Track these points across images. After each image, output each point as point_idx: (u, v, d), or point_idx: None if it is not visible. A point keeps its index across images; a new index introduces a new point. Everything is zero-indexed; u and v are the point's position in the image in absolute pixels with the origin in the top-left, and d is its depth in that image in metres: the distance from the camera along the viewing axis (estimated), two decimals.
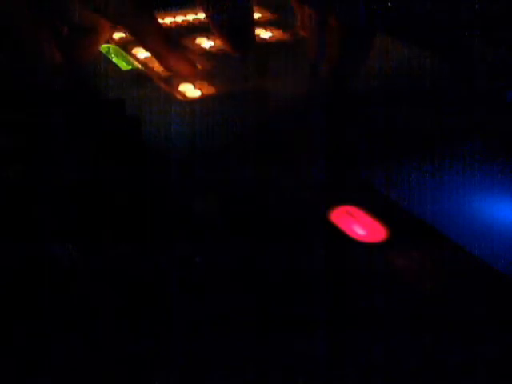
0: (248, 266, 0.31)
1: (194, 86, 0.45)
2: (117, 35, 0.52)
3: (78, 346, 0.28)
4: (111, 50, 0.51)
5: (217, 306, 0.29)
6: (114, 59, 0.50)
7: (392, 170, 0.38)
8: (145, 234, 0.33)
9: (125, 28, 0.46)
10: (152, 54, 0.46)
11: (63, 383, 0.27)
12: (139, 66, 0.48)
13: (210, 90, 0.45)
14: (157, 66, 0.47)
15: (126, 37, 0.52)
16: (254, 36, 0.44)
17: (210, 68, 0.47)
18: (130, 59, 0.49)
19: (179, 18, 0.57)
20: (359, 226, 0.33)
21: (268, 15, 0.57)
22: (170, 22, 0.56)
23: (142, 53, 0.49)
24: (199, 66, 0.47)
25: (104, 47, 0.51)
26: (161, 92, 0.45)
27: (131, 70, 0.48)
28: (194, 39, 0.52)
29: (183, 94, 0.44)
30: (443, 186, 0.37)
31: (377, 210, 0.34)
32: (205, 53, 0.50)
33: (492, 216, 0.35)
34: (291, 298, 0.29)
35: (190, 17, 0.57)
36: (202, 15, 0.56)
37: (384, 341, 0.27)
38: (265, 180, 0.37)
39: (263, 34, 0.54)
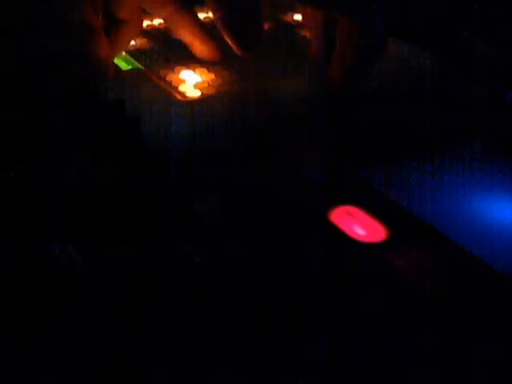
0: (248, 265, 0.31)
1: (194, 86, 0.45)
2: None
3: (77, 346, 0.28)
4: None
5: (217, 306, 0.29)
6: (114, 59, 0.50)
7: (392, 170, 0.38)
8: (145, 234, 0.33)
9: (158, 16, 0.47)
10: (185, 41, 0.47)
11: (63, 383, 0.27)
12: (139, 65, 0.48)
13: (209, 90, 0.45)
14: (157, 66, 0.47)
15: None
16: (262, 37, 0.45)
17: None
18: (130, 59, 0.49)
19: None
20: (359, 225, 0.33)
21: None
22: None
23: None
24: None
25: None
26: (161, 92, 0.45)
27: (131, 69, 0.48)
28: None
29: (183, 94, 0.44)
30: (443, 186, 0.37)
31: (377, 209, 0.34)
32: None
33: (492, 216, 0.35)
34: (291, 298, 0.29)
35: None
36: (202, 15, 0.56)
37: (384, 341, 0.27)
38: (265, 180, 0.37)
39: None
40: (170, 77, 0.46)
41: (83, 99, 0.41)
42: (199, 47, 0.47)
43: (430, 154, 0.39)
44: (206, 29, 0.47)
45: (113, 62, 0.46)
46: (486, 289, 0.30)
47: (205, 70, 0.47)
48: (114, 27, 0.45)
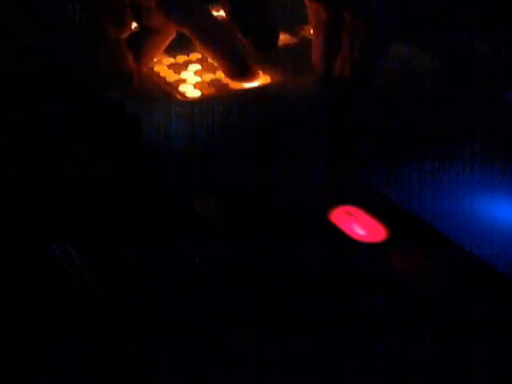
0: (248, 265, 0.31)
1: (194, 86, 0.45)
2: None
3: (77, 346, 0.28)
4: None
5: (217, 306, 0.29)
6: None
7: (392, 169, 0.38)
8: (145, 234, 0.33)
9: (185, 29, 0.45)
10: (208, 54, 0.46)
11: (63, 383, 0.27)
12: None
13: (209, 90, 0.45)
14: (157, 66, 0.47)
15: None
16: (277, 36, 0.45)
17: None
18: None
19: None
20: (359, 225, 0.33)
21: None
22: None
23: None
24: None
25: None
26: (161, 92, 0.45)
27: None
28: None
29: (183, 94, 0.44)
30: (443, 186, 0.37)
31: (377, 209, 0.34)
32: None
33: (492, 216, 0.35)
34: (291, 298, 0.29)
35: None
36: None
37: (384, 341, 0.27)
38: (265, 180, 0.37)
39: None
40: (170, 77, 0.46)
41: (83, 99, 0.41)
42: (222, 66, 0.46)
43: (430, 153, 0.39)
44: (229, 44, 0.45)
45: (140, 72, 0.45)
46: (486, 289, 0.30)
47: (205, 70, 0.47)
48: (144, 36, 0.45)
